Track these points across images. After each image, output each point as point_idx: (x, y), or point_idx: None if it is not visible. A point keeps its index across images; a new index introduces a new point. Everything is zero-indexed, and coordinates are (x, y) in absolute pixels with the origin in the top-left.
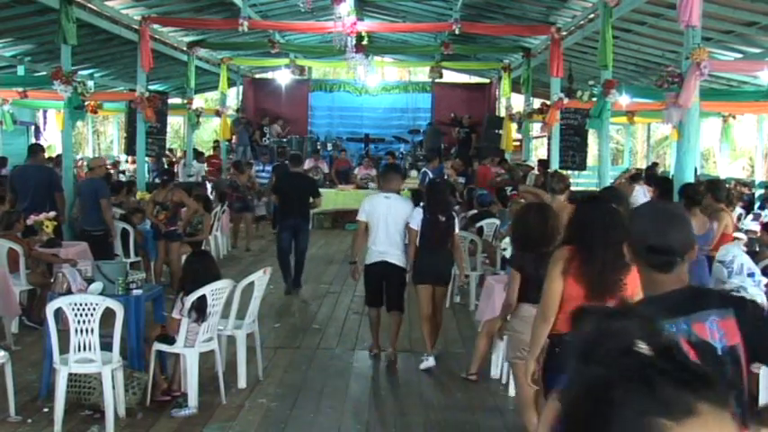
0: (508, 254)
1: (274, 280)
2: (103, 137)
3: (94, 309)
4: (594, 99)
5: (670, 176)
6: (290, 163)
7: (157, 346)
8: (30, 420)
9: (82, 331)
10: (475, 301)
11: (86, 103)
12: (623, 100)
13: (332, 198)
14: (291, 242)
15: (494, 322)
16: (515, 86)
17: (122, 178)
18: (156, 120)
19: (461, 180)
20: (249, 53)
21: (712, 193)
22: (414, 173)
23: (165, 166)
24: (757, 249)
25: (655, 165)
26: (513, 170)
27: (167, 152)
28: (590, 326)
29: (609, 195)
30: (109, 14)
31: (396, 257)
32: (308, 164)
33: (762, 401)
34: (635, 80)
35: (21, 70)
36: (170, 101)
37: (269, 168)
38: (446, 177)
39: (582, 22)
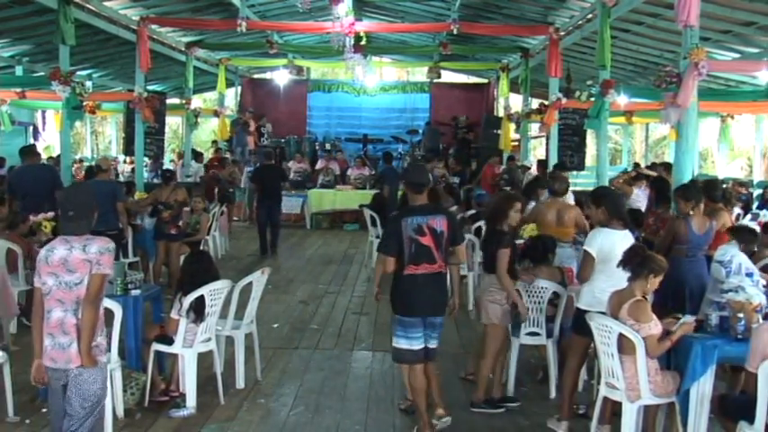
0: None
1: (273, 280)
2: (102, 137)
3: None
4: (593, 99)
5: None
6: (264, 158)
7: (156, 346)
8: (28, 421)
9: None
10: (473, 302)
11: (85, 104)
12: (621, 100)
13: (330, 198)
14: (268, 217)
15: None
16: (513, 86)
17: (120, 179)
18: (154, 120)
19: (456, 180)
20: (247, 53)
21: (707, 194)
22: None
23: (166, 167)
24: (755, 249)
25: (654, 165)
26: (513, 171)
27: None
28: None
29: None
30: (107, 15)
31: None
32: (320, 164)
33: (760, 401)
34: (633, 80)
35: (19, 71)
36: (168, 101)
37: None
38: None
39: (580, 23)
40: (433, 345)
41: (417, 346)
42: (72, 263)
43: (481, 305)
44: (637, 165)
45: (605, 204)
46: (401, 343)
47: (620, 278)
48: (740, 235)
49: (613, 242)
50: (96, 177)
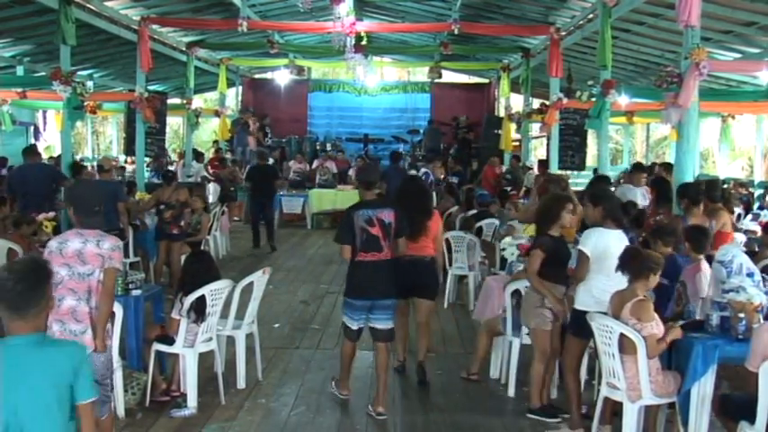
0: (507, 254)
1: (274, 280)
2: (103, 137)
3: None
4: (593, 99)
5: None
6: (258, 158)
7: (157, 346)
8: None
9: None
10: (474, 302)
11: (85, 104)
12: (622, 100)
13: (330, 198)
14: (261, 214)
15: (494, 322)
16: (514, 86)
17: (121, 178)
18: (155, 120)
19: (455, 180)
20: (248, 53)
21: (707, 194)
22: (413, 173)
23: (168, 167)
24: (756, 249)
25: (654, 165)
26: (516, 170)
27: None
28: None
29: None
30: (108, 15)
31: None
32: (316, 163)
33: (761, 400)
34: (634, 80)
35: (20, 70)
36: (169, 101)
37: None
38: (430, 178)
39: (581, 23)
40: (383, 325)
41: (357, 326)
42: (86, 255)
43: (523, 309)
44: (639, 164)
45: (603, 204)
46: (348, 323)
47: (619, 277)
48: (660, 235)
49: (608, 241)
50: (98, 177)
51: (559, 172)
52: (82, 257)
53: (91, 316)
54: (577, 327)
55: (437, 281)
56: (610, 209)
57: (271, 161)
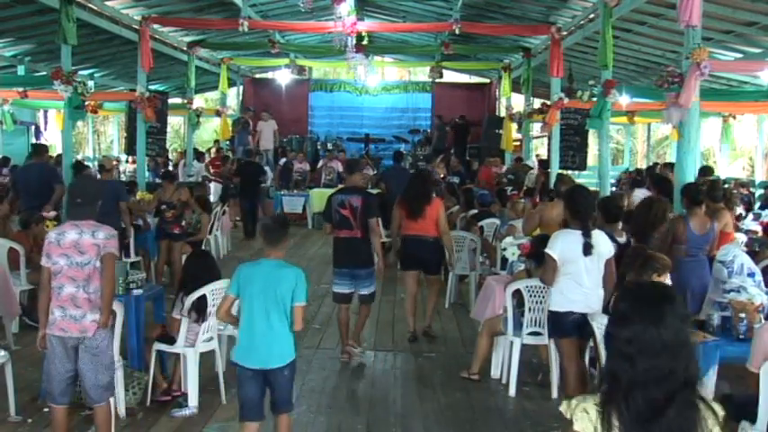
0: (508, 254)
1: None
2: (104, 137)
3: None
4: (595, 99)
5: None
6: (245, 155)
7: (158, 345)
8: (30, 420)
9: None
10: (475, 301)
11: (86, 103)
12: (623, 100)
13: None
14: (249, 206)
15: (494, 321)
16: (515, 86)
17: (122, 178)
18: (156, 120)
19: (455, 179)
20: (249, 53)
21: (708, 195)
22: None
23: (170, 167)
24: (757, 249)
25: (655, 165)
26: (518, 171)
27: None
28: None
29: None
30: (109, 14)
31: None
32: (321, 163)
33: (762, 401)
34: (635, 80)
35: (21, 70)
36: (170, 101)
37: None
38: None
39: (582, 22)
40: (363, 291)
41: (344, 290)
42: (83, 245)
43: None
44: (638, 171)
45: (567, 202)
46: (334, 288)
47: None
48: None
49: (574, 244)
50: (99, 177)
51: (560, 172)
52: (79, 247)
53: (90, 301)
54: (559, 330)
55: (439, 258)
56: (575, 209)
57: (282, 161)
